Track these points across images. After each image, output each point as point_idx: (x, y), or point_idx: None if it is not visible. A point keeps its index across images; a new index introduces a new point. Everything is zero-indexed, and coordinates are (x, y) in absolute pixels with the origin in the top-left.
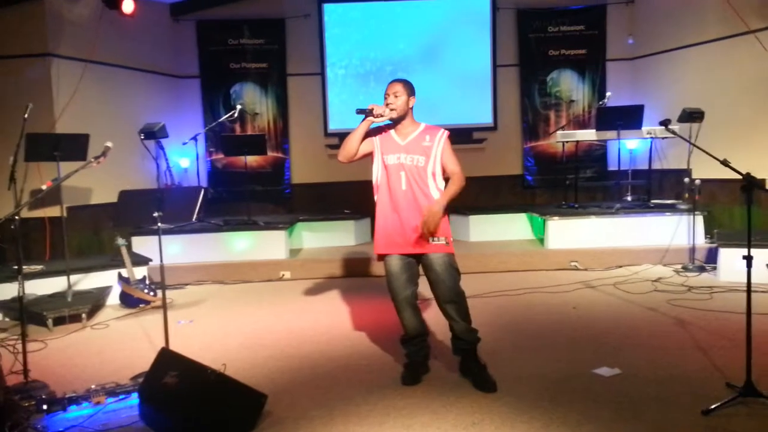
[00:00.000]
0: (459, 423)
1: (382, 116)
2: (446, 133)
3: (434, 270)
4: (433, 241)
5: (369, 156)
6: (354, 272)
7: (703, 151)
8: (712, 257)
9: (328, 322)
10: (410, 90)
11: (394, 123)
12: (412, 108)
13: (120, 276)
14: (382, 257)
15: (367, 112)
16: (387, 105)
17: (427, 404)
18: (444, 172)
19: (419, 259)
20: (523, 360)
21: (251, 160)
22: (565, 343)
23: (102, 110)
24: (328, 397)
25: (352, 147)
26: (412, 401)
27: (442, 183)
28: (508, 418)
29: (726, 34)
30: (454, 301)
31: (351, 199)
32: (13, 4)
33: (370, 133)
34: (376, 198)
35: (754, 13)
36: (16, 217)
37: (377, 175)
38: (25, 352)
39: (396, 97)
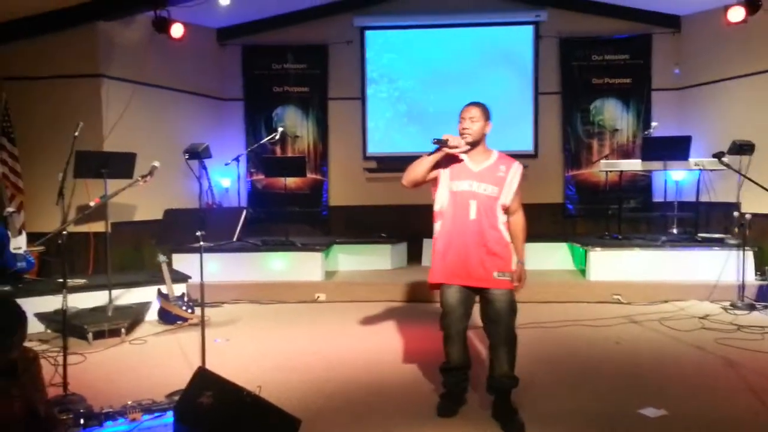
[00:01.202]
0: None
1: (457, 148)
2: (521, 167)
3: (495, 307)
4: (498, 276)
5: (431, 182)
6: (389, 297)
7: (758, 184)
8: (763, 295)
9: (363, 347)
10: (487, 115)
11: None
12: (486, 134)
13: (159, 292)
14: (435, 286)
15: (442, 143)
16: (462, 129)
17: None
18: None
19: (477, 292)
20: (562, 396)
21: (290, 181)
22: (607, 380)
23: (149, 130)
24: (362, 425)
25: (419, 174)
26: None
27: (504, 217)
28: None
29: None
30: (507, 344)
31: (388, 223)
32: (69, 27)
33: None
34: (436, 225)
35: None
36: (64, 232)
37: (442, 201)
38: (65, 365)
39: (472, 122)
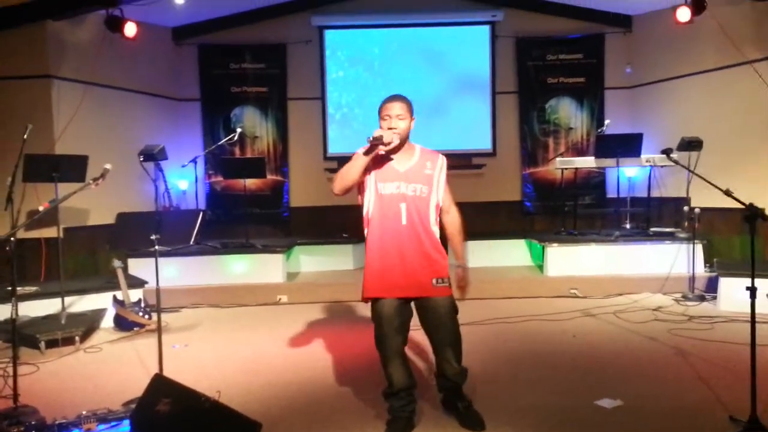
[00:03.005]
0: None
1: (390, 143)
2: (445, 159)
3: (438, 314)
4: (437, 283)
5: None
6: (352, 297)
7: (706, 180)
8: (712, 286)
9: (325, 348)
10: (411, 109)
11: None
12: (410, 130)
13: (115, 298)
14: (369, 300)
15: (378, 140)
16: (389, 129)
17: None
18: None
19: (413, 300)
20: (521, 390)
21: (250, 183)
22: (565, 373)
23: (101, 132)
24: (324, 426)
25: (352, 179)
26: None
27: (436, 217)
28: None
29: (723, 64)
30: (453, 345)
31: (349, 223)
32: (15, 26)
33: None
34: (366, 231)
35: (750, 44)
36: (12, 238)
37: (368, 206)
38: (15, 376)
39: (399, 119)
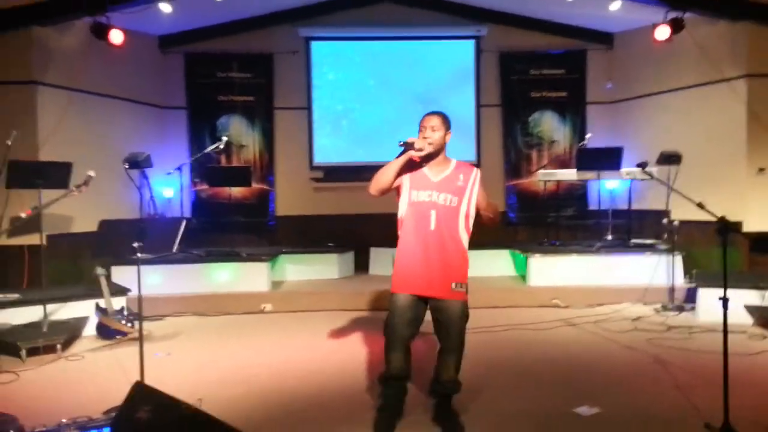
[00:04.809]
0: None
1: (422, 150)
2: (479, 172)
3: (448, 316)
4: (455, 288)
5: (394, 190)
6: (336, 306)
7: (679, 193)
8: (690, 297)
9: (308, 357)
10: (448, 124)
11: (427, 158)
12: (446, 144)
13: (97, 306)
14: (391, 294)
15: (408, 145)
16: (424, 139)
17: None
18: (477, 209)
19: (429, 301)
20: (503, 398)
21: (236, 191)
22: (545, 381)
23: (86, 139)
24: None
25: (386, 180)
26: None
27: (470, 225)
28: None
29: (701, 81)
30: (456, 352)
31: (335, 232)
32: (1, 31)
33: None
34: (399, 233)
35: (727, 62)
36: None
37: (403, 211)
38: None
39: (433, 131)
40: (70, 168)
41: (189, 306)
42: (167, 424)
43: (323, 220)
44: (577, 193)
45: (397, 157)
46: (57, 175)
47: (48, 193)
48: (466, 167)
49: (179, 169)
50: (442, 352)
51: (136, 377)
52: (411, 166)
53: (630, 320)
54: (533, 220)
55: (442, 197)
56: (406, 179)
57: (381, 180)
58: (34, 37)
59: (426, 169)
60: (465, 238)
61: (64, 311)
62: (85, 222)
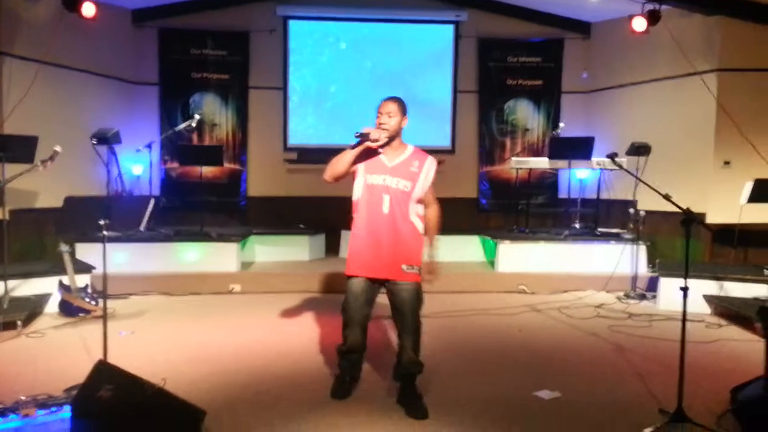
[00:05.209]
0: None
1: (377, 140)
2: (435, 162)
3: (402, 298)
4: (406, 269)
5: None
6: (306, 288)
7: (647, 184)
8: (652, 286)
9: (276, 338)
10: (404, 110)
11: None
12: (402, 129)
13: (61, 283)
14: (347, 277)
15: (364, 136)
16: (380, 125)
17: (371, 424)
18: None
19: (384, 283)
20: (467, 381)
21: (207, 170)
22: (509, 365)
23: (54, 113)
24: (271, 415)
25: (341, 169)
26: (356, 420)
27: (420, 209)
28: None
29: (674, 73)
30: (412, 333)
31: (307, 214)
32: None
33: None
34: (354, 216)
35: (700, 56)
36: None
37: (358, 194)
38: None
39: (389, 117)
40: (35, 142)
41: (155, 285)
42: (130, 404)
43: (295, 201)
44: (548, 182)
45: (353, 148)
46: (22, 148)
47: (12, 167)
48: (421, 154)
49: (149, 146)
50: (401, 334)
51: (99, 356)
52: (368, 154)
53: (593, 307)
54: (505, 207)
55: (395, 181)
56: (361, 164)
57: (336, 168)
58: (4, 7)
59: (382, 155)
60: (418, 222)
61: (25, 287)
62: (50, 198)
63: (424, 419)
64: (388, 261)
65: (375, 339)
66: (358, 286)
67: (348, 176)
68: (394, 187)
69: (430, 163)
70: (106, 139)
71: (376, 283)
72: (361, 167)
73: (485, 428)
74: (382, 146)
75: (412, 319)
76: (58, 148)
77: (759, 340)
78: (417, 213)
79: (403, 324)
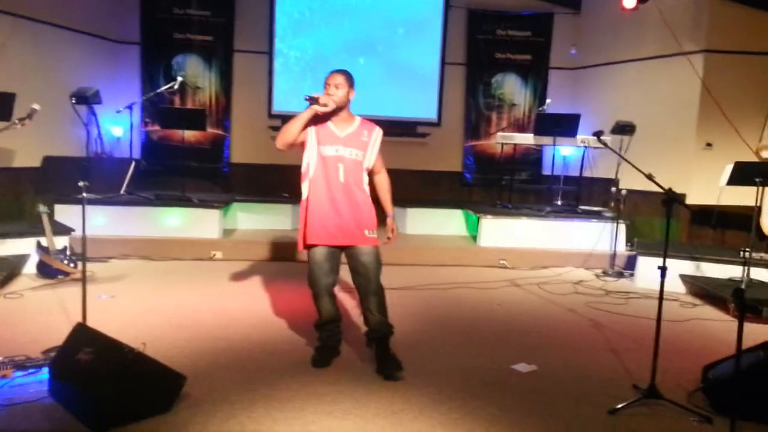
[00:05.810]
0: (380, 411)
1: (326, 106)
2: (381, 132)
3: (362, 262)
4: (368, 234)
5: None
6: (288, 256)
7: (630, 163)
8: (630, 264)
9: (256, 305)
10: (351, 82)
11: (332, 113)
12: (350, 101)
13: (39, 245)
14: (307, 247)
15: (313, 100)
16: (328, 96)
17: (350, 392)
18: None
19: (343, 249)
20: (446, 353)
21: (189, 134)
22: (488, 338)
23: (31, 70)
24: (251, 381)
25: (292, 134)
26: (335, 388)
27: (367, 178)
28: (427, 408)
29: (662, 53)
30: (376, 293)
31: (291, 182)
32: None
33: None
34: (304, 186)
35: (687, 36)
36: None
37: (309, 164)
38: None
39: (337, 88)
40: (12, 99)
41: (135, 249)
42: (108, 367)
43: (279, 169)
44: (532, 158)
45: (303, 112)
46: None
47: None
48: (369, 125)
49: (130, 107)
50: (363, 299)
51: (78, 318)
52: (317, 121)
53: (571, 284)
54: (488, 182)
55: (347, 151)
56: (312, 134)
57: (287, 133)
58: None
59: (332, 125)
60: (368, 190)
61: (3, 248)
62: (28, 157)
63: (400, 370)
64: (350, 227)
65: (349, 312)
66: (320, 254)
67: (297, 147)
68: (348, 157)
69: (377, 133)
70: (86, 99)
71: (338, 250)
72: (312, 138)
73: (464, 399)
74: (331, 115)
75: (375, 280)
76: (36, 106)
77: (732, 320)
78: (367, 182)
79: (366, 287)
